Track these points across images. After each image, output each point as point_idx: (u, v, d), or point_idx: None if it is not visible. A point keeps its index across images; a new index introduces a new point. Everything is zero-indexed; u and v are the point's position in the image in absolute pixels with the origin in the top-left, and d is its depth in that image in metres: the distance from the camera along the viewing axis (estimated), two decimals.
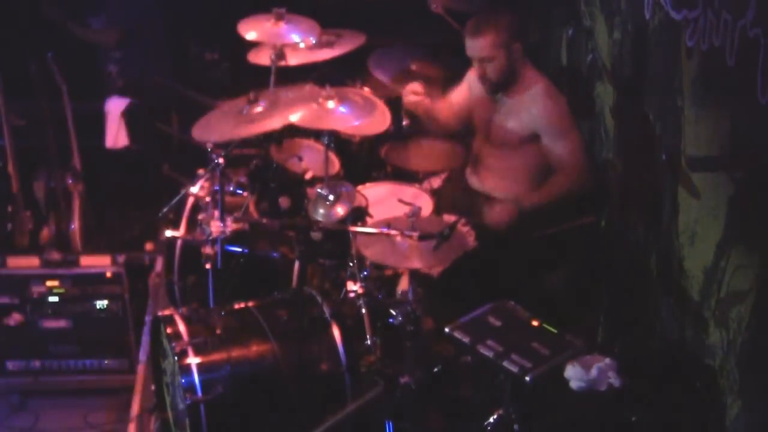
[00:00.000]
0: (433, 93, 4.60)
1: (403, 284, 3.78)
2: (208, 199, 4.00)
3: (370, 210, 3.92)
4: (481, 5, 4.91)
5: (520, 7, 5.23)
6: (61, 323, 4.67)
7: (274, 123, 3.76)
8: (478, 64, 4.12)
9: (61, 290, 4.63)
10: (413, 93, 4.45)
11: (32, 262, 4.67)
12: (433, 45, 5.09)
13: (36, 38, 5.25)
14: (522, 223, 4.11)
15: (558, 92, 4.22)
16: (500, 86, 4.16)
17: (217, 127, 3.80)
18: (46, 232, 4.98)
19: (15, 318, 4.63)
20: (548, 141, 4.11)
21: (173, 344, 3.52)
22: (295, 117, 3.71)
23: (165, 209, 4.21)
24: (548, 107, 4.10)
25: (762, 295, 2.85)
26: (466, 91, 4.44)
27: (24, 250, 4.88)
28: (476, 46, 4.06)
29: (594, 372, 3.18)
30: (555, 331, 3.41)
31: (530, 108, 4.11)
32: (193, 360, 3.49)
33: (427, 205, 4.13)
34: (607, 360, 3.22)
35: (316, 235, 3.77)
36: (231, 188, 4.28)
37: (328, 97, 3.72)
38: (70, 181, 5.03)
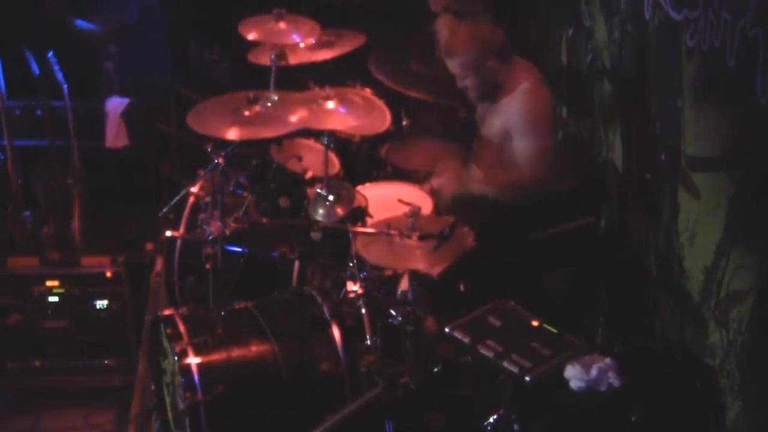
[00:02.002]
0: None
1: (403, 284, 3.78)
2: (208, 199, 4.00)
3: (370, 210, 3.92)
4: (479, 5, 4.91)
5: (519, 6, 5.24)
6: (61, 323, 4.67)
7: (275, 130, 3.79)
8: (457, 78, 4.20)
9: (61, 290, 4.63)
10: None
11: (32, 262, 4.68)
12: (433, 45, 5.09)
13: (36, 37, 5.25)
14: (522, 223, 4.12)
15: (544, 91, 4.19)
16: (483, 97, 4.22)
17: (212, 121, 3.80)
18: (46, 232, 4.98)
19: (15, 318, 4.63)
20: (515, 137, 4.10)
21: (173, 344, 3.52)
22: (295, 119, 3.72)
23: (165, 209, 4.21)
24: (524, 105, 4.09)
25: (762, 295, 2.86)
26: None
27: (24, 250, 4.88)
28: (449, 65, 4.17)
29: (594, 372, 3.18)
30: (555, 331, 3.41)
31: (511, 105, 4.12)
32: (193, 360, 3.49)
33: (427, 205, 4.13)
34: (607, 360, 3.22)
35: (316, 235, 3.77)
36: (231, 188, 4.28)
37: (328, 98, 3.72)
38: (70, 181, 5.03)
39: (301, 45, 4.43)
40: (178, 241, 4.26)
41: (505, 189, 4.12)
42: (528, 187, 4.09)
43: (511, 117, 4.11)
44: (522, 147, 4.10)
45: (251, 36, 4.29)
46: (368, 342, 3.65)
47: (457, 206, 4.23)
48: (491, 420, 3.40)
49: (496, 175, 4.21)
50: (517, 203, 4.12)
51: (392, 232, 3.51)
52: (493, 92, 4.18)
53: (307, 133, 4.34)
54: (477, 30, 4.11)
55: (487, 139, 4.26)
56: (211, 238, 3.68)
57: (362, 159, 4.68)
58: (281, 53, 4.22)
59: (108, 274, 4.64)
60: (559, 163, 4.17)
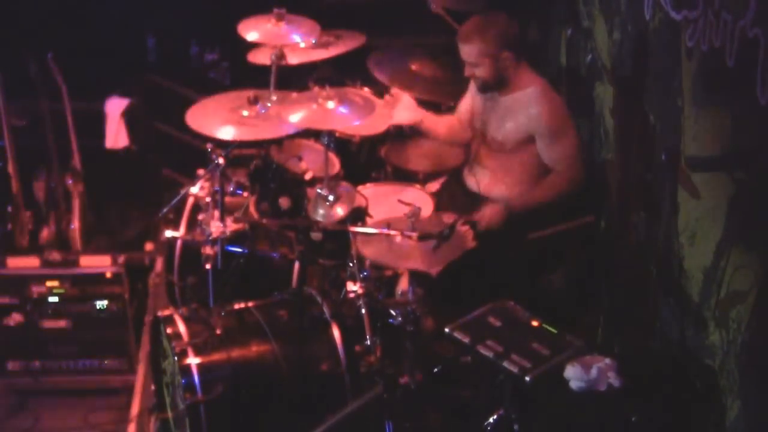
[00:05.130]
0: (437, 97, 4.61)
1: (403, 284, 3.78)
2: (208, 199, 4.00)
3: (370, 210, 3.92)
4: (480, 4, 4.92)
5: (519, 6, 5.24)
6: (61, 323, 4.66)
7: (275, 130, 3.79)
8: (467, 66, 4.18)
9: (61, 290, 4.63)
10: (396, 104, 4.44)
11: (32, 262, 4.67)
12: (433, 45, 5.10)
13: (36, 38, 5.25)
14: (522, 223, 4.12)
15: (555, 93, 4.23)
16: (490, 87, 4.20)
17: (212, 120, 3.81)
18: (46, 232, 4.97)
19: (15, 318, 4.63)
20: (543, 142, 4.12)
21: (173, 344, 3.52)
22: (295, 119, 3.73)
23: (165, 209, 4.21)
24: (544, 109, 4.11)
25: (762, 295, 2.86)
26: (469, 96, 4.46)
27: (24, 250, 4.88)
28: (464, 51, 4.14)
29: (594, 372, 3.18)
30: (555, 331, 3.41)
31: (527, 110, 4.12)
32: (193, 360, 3.49)
33: (427, 205, 4.13)
34: (607, 360, 3.22)
35: (316, 235, 3.77)
36: (231, 188, 4.28)
37: (328, 98, 3.72)
38: (70, 181, 5.02)
39: (302, 45, 4.43)
40: (178, 241, 4.26)
41: (543, 192, 4.14)
42: (570, 187, 4.11)
43: (532, 121, 4.11)
44: (555, 149, 4.12)
45: (251, 36, 4.30)
46: (368, 342, 3.64)
47: (456, 207, 4.23)
48: (491, 420, 3.40)
49: (515, 179, 4.22)
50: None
51: (392, 232, 3.51)
52: (500, 85, 4.17)
53: (307, 133, 4.35)
54: (493, 20, 4.11)
55: (498, 141, 4.25)
56: (211, 238, 3.68)
57: (362, 159, 4.68)
58: (281, 54, 4.22)
59: (108, 274, 4.64)
60: (541, 169, 4.18)
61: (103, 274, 4.64)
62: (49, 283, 4.62)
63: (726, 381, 3.08)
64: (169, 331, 3.60)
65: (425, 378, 3.63)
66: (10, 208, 4.94)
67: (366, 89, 4.51)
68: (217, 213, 3.74)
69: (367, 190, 4.20)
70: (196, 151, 4.40)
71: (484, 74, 4.13)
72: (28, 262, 4.67)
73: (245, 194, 4.30)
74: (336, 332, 3.62)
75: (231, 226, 3.73)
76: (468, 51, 4.12)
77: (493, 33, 4.06)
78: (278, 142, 4.29)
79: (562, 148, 4.12)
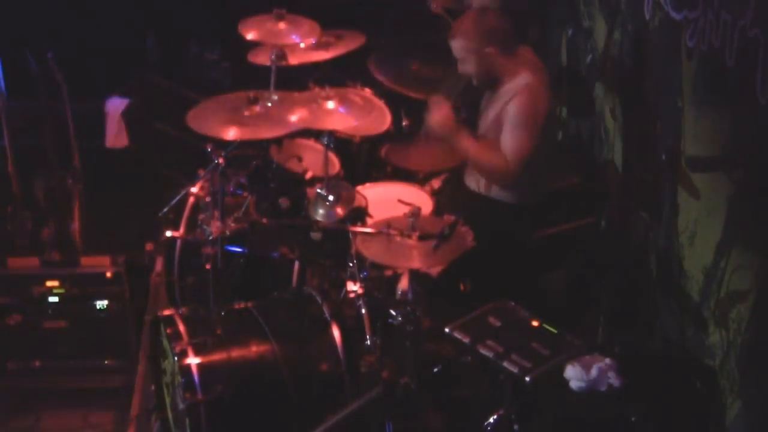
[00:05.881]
0: None
1: (403, 284, 3.78)
2: (208, 199, 4.00)
3: (370, 210, 3.92)
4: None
5: (518, 6, 5.25)
6: (61, 323, 4.66)
7: (275, 130, 3.79)
8: (458, 61, 4.18)
9: (61, 290, 4.62)
10: None
11: (32, 262, 4.67)
12: (433, 45, 5.09)
13: (37, 38, 5.25)
14: (524, 224, 4.12)
15: (542, 91, 4.09)
16: (483, 84, 4.20)
17: (213, 121, 3.81)
18: (46, 232, 4.98)
19: (15, 318, 4.63)
20: (505, 128, 4.08)
21: (173, 344, 3.52)
22: (295, 119, 3.73)
23: (165, 209, 4.21)
24: (520, 97, 4.03)
25: (762, 295, 2.86)
26: None
27: (24, 250, 4.88)
28: (451, 45, 4.16)
29: (594, 372, 3.18)
30: (555, 331, 3.41)
31: (505, 98, 4.10)
32: (193, 360, 3.49)
33: (427, 205, 4.13)
34: (607, 360, 3.22)
35: (316, 235, 3.77)
36: (231, 188, 4.28)
37: (328, 98, 3.72)
38: (70, 181, 5.02)
39: (302, 45, 4.43)
40: (178, 241, 4.26)
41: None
42: (498, 176, 4.09)
43: (506, 108, 4.09)
44: (509, 139, 4.05)
45: (251, 36, 4.30)
46: (368, 342, 3.64)
47: (456, 207, 4.22)
48: (491, 420, 3.40)
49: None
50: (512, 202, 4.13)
51: (392, 232, 3.51)
52: (491, 81, 4.16)
53: (307, 133, 4.35)
54: (483, 16, 4.11)
55: (483, 132, 4.25)
56: (211, 238, 3.68)
57: (362, 159, 4.68)
58: (281, 54, 4.22)
59: (108, 274, 4.63)
60: (537, 168, 4.13)
61: (103, 274, 4.64)
62: (49, 283, 4.62)
63: (726, 381, 3.08)
64: (169, 331, 3.60)
65: (425, 378, 3.63)
66: (10, 209, 4.94)
67: (366, 89, 4.51)
68: (217, 213, 3.74)
69: (367, 190, 4.20)
70: (196, 151, 4.39)
71: (471, 69, 4.12)
72: (28, 262, 4.67)
73: (245, 194, 4.30)
74: (336, 332, 3.62)
75: (231, 226, 3.73)
76: (453, 47, 4.14)
77: (478, 30, 4.06)
78: (278, 142, 4.29)
79: (516, 141, 4.01)
